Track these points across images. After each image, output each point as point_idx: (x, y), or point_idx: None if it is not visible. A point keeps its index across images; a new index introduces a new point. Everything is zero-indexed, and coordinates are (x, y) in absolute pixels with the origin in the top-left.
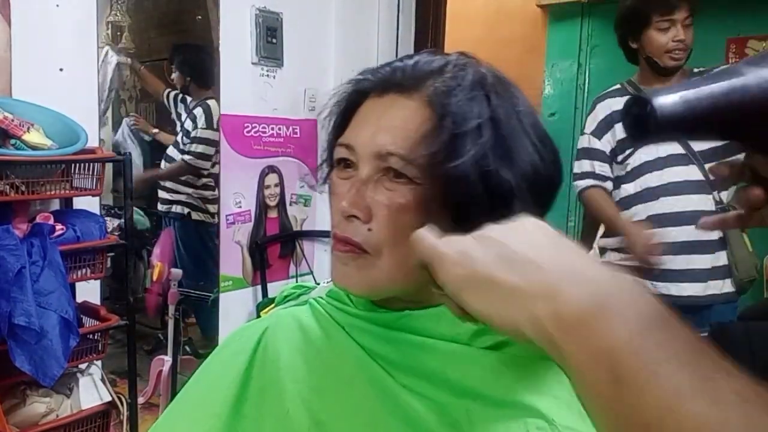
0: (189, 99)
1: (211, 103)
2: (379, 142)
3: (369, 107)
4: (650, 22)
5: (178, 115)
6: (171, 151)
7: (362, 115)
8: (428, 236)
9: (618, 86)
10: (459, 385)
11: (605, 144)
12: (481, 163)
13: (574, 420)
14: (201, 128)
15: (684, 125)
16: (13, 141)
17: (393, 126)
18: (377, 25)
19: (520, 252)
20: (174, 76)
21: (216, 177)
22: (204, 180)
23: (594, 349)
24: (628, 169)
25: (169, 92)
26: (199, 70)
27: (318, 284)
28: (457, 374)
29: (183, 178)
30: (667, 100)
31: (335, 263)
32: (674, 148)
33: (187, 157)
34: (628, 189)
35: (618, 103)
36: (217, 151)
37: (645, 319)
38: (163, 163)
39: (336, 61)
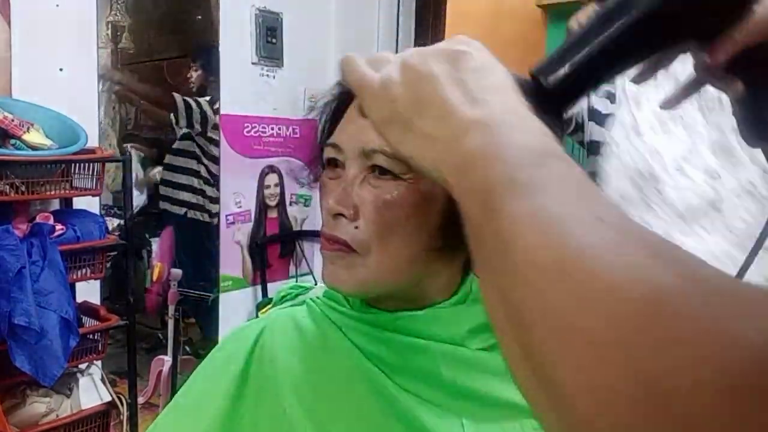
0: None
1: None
2: (363, 139)
3: (354, 107)
4: None
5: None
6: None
7: (348, 114)
8: (356, 63)
9: None
10: (454, 386)
11: None
12: None
13: None
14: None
15: (577, 76)
16: (13, 141)
17: None
18: (377, 25)
19: (437, 95)
20: (195, 74)
21: (216, 176)
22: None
23: (470, 186)
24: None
25: (172, 114)
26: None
27: (316, 284)
28: (452, 375)
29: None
30: (547, 65)
31: (325, 263)
32: None
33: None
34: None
35: None
36: (207, 139)
37: (528, 155)
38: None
39: (336, 61)
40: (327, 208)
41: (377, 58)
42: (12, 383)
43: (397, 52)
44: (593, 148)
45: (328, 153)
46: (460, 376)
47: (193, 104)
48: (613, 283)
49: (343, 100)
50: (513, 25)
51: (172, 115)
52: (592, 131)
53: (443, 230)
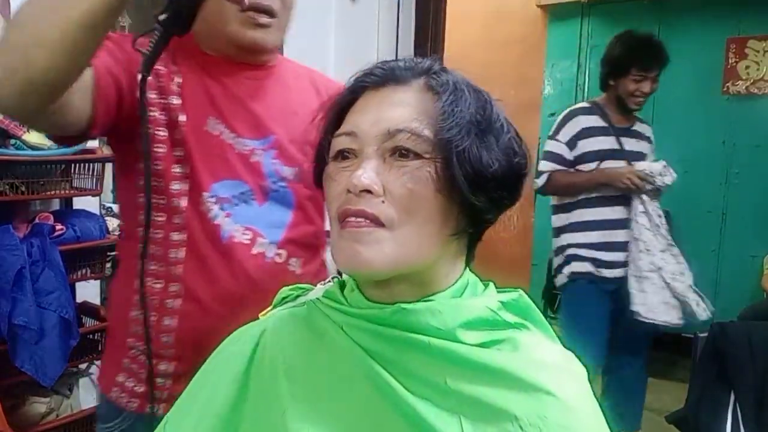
0: None
1: None
2: (384, 124)
3: (366, 99)
4: (628, 73)
5: None
6: None
7: (360, 106)
8: None
9: (587, 104)
10: (452, 386)
11: (570, 155)
12: (485, 137)
13: (567, 417)
14: None
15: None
16: (13, 141)
17: (397, 108)
18: (377, 25)
19: None
20: None
21: None
22: None
23: None
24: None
25: None
26: None
27: (315, 285)
28: (450, 374)
29: None
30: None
31: (343, 244)
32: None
33: None
34: (589, 193)
35: (588, 121)
36: None
37: None
38: None
39: (336, 61)
40: (351, 186)
41: None
42: (12, 383)
43: (396, 52)
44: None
45: (341, 143)
46: (458, 378)
47: None
48: None
49: (349, 99)
50: (513, 25)
51: None
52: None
53: (459, 216)
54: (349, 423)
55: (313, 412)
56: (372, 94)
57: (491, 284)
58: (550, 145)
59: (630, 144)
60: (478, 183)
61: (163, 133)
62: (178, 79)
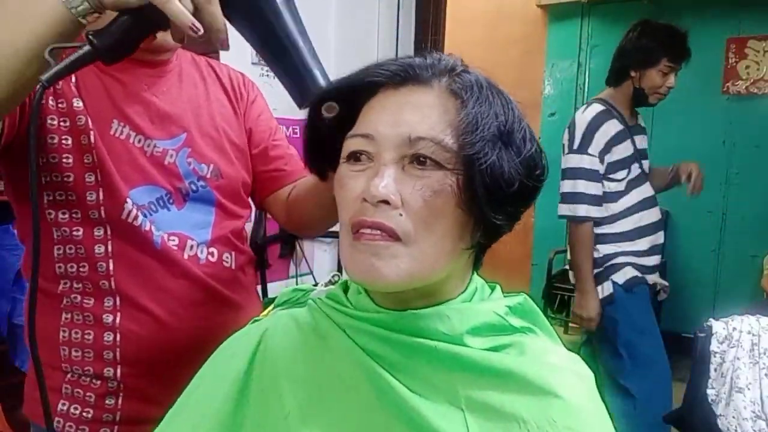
0: None
1: None
2: (405, 130)
3: (384, 98)
4: (657, 64)
5: None
6: None
7: (378, 106)
8: None
9: (603, 107)
10: (460, 390)
11: (602, 169)
12: (507, 151)
13: (575, 419)
14: None
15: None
16: None
17: (419, 113)
18: (377, 25)
19: None
20: None
21: None
22: None
23: None
24: (623, 186)
25: None
26: None
27: (316, 285)
28: (458, 378)
29: None
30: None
31: (358, 257)
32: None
33: None
34: (627, 201)
35: (615, 127)
36: None
37: None
38: None
39: (336, 61)
40: (369, 196)
41: None
42: (12, 383)
43: (397, 51)
44: None
45: (356, 145)
46: (465, 382)
47: None
48: None
49: (364, 91)
50: (513, 25)
51: None
52: None
53: (475, 230)
54: (352, 426)
55: (317, 414)
56: (390, 93)
57: (497, 287)
58: (583, 161)
59: (639, 141)
60: (498, 199)
61: (67, 141)
62: (73, 77)
